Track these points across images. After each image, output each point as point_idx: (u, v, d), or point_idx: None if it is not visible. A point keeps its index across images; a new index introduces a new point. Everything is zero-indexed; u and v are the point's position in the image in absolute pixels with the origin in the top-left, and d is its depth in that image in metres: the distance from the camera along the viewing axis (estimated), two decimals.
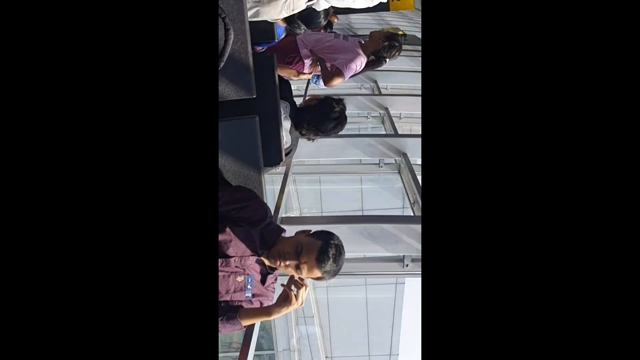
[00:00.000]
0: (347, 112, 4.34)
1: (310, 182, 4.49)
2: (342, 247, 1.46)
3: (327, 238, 1.44)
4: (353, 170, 4.29)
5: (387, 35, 2.85)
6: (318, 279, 1.44)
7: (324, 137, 2.11)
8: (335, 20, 4.58)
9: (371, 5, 1.91)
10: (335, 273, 1.43)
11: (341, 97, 2.12)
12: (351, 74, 2.73)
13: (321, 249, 1.40)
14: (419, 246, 2.55)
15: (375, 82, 5.50)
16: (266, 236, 1.48)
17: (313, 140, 2.18)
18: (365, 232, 2.58)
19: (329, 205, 4.72)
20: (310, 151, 3.78)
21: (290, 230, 2.62)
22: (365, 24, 8.72)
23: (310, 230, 1.50)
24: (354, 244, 2.57)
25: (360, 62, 2.73)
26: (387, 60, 2.90)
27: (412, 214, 3.21)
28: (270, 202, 2.94)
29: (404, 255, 2.63)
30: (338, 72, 2.66)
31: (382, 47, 2.81)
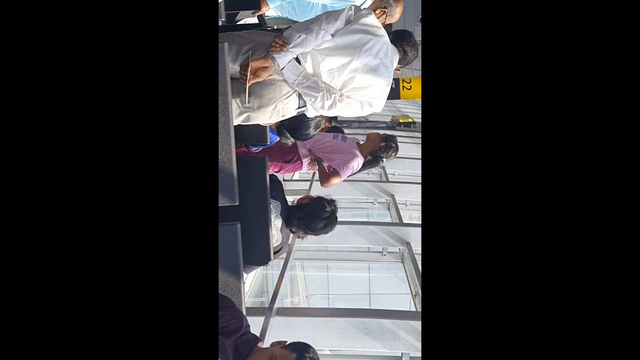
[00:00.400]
0: (354, 198, 4.37)
1: (317, 269, 4.48)
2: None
3: (302, 351, 1.42)
4: (358, 258, 4.28)
5: (383, 136, 2.98)
6: None
7: (314, 235, 2.15)
8: (328, 125, 4.77)
9: (363, 115, 2.03)
10: None
11: (334, 198, 2.19)
12: (348, 174, 2.83)
13: None
14: (419, 344, 2.49)
15: (383, 168, 5.60)
16: (240, 347, 1.48)
17: (302, 238, 2.22)
18: (362, 327, 2.54)
19: (335, 290, 4.67)
20: (314, 237, 3.82)
21: (286, 322, 2.58)
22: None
23: (286, 342, 1.50)
24: (350, 339, 2.53)
25: (357, 163, 2.85)
26: (384, 160, 3.02)
27: (414, 308, 3.16)
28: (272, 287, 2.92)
29: (402, 353, 2.57)
30: (335, 173, 2.78)
31: (378, 147, 2.93)
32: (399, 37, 2.05)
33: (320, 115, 2.09)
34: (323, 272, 4.42)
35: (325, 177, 2.77)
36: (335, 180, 2.77)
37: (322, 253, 4.21)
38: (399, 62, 2.06)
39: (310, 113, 1.91)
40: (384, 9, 2.82)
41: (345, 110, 1.92)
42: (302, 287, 4.39)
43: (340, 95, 1.89)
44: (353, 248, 4.09)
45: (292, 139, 2.25)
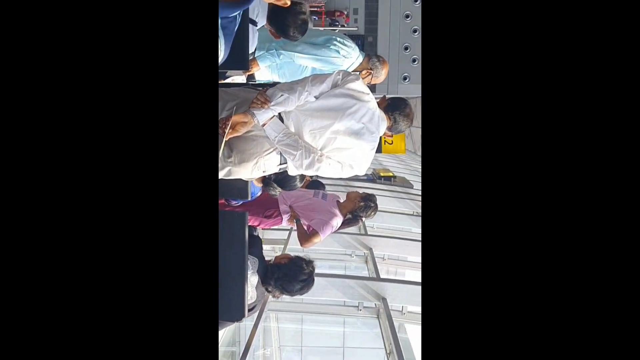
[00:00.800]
0: (332, 249, 4.37)
1: (291, 321, 4.42)
2: None
3: None
4: (333, 312, 4.24)
5: (363, 196, 3.03)
6: None
7: (289, 296, 2.15)
8: (309, 179, 4.83)
9: (343, 177, 2.06)
10: None
11: (312, 258, 2.20)
12: (328, 233, 2.87)
13: None
14: None
15: (363, 221, 5.62)
16: None
17: (277, 297, 2.22)
18: None
19: (309, 343, 4.59)
20: None
21: None
22: None
23: None
24: None
25: (337, 222, 2.89)
26: (364, 219, 3.07)
27: None
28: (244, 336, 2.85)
29: None
30: (315, 234, 2.82)
31: (358, 206, 2.98)
32: (392, 106, 2.10)
33: None
34: (297, 324, 4.35)
35: (304, 237, 2.81)
36: (315, 240, 2.81)
37: (297, 305, 4.16)
38: (390, 129, 2.11)
39: (291, 171, 1.94)
40: (369, 70, 2.93)
41: (325, 170, 1.96)
42: (275, 339, 4.30)
43: (320, 155, 1.92)
44: (329, 301, 4.06)
45: (279, 190, 2.27)
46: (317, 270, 2.19)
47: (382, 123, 2.04)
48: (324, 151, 1.94)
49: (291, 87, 1.88)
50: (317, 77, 1.96)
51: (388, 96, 2.16)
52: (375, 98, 2.06)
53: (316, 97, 1.92)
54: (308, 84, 1.90)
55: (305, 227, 2.82)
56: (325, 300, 4.04)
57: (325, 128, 1.90)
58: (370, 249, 4.76)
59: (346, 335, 4.32)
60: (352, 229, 5.69)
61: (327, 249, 4.85)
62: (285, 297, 4.02)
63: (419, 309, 3.88)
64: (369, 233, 5.41)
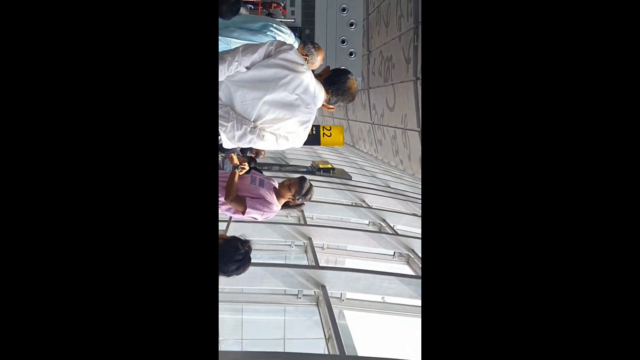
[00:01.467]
0: (271, 240, 4.31)
1: (231, 311, 4.38)
2: None
3: None
4: (274, 300, 4.24)
5: (294, 181, 2.98)
6: None
7: (224, 277, 2.12)
8: (263, 153, 4.81)
9: (279, 149, 2.02)
10: None
11: (248, 238, 2.18)
12: (252, 213, 2.82)
13: None
14: None
15: (302, 211, 5.66)
16: None
17: None
18: None
19: (249, 334, 4.57)
20: (229, 279, 3.75)
21: None
22: (297, 155, 9.19)
23: None
24: None
25: (269, 208, 2.85)
26: (304, 202, 3.05)
27: (327, 352, 3.17)
28: None
29: None
30: (241, 201, 2.77)
31: (295, 192, 2.94)
32: (333, 77, 2.03)
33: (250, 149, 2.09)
34: (237, 314, 4.32)
35: (230, 191, 2.71)
36: (238, 206, 2.74)
37: (237, 295, 4.13)
38: (328, 102, 2.05)
39: (225, 143, 1.91)
40: (305, 56, 2.94)
41: (258, 142, 1.92)
42: None
43: (253, 127, 1.88)
44: (269, 290, 4.06)
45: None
46: (257, 261, 2.16)
47: (319, 95, 1.99)
48: (257, 123, 1.90)
49: (221, 56, 1.82)
50: (248, 47, 1.90)
51: (332, 68, 2.11)
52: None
53: (248, 68, 1.86)
54: (239, 54, 1.85)
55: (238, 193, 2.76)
56: (265, 289, 4.04)
57: (258, 99, 1.85)
58: (310, 239, 4.80)
59: (286, 323, 4.35)
60: (292, 220, 5.74)
61: (267, 240, 4.84)
62: (225, 288, 4.01)
63: (358, 296, 3.96)
64: (308, 223, 5.46)
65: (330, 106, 2.08)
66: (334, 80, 2.03)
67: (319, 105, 2.02)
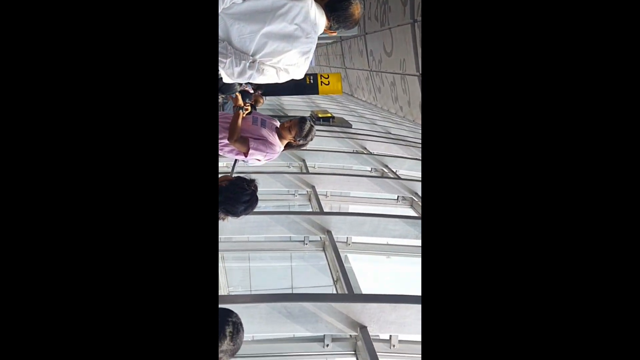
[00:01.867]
0: (275, 190, 4.28)
1: (238, 260, 4.44)
2: (241, 324, 1.42)
3: (223, 316, 1.40)
4: (280, 248, 4.30)
5: (294, 122, 2.94)
6: None
7: (234, 218, 2.12)
8: (261, 101, 4.75)
9: (279, 82, 1.95)
10: (233, 352, 1.39)
11: (253, 177, 2.16)
12: (256, 155, 2.80)
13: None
14: (340, 325, 2.55)
15: (304, 160, 5.66)
16: None
17: (223, 219, 2.19)
18: (284, 311, 2.56)
19: (257, 283, 4.66)
20: (235, 228, 3.79)
21: None
22: (296, 106, 9.10)
23: None
24: (273, 324, 2.54)
25: (271, 149, 2.83)
26: (307, 143, 3.01)
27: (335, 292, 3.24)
28: None
29: (324, 335, 2.62)
30: (245, 141, 2.75)
31: (295, 134, 2.89)
32: (330, 7, 1.92)
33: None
34: (245, 263, 4.39)
35: (234, 131, 2.70)
36: (242, 147, 2.74)
37: (244, 244, 4.18)
38: (330, 29, 1.95)
39: (225, 78, 1.85)
40: None
41: (258, 77, 1.86)
42: (222, 281, 4.33)
43: (252, 62, 1.82)
44: (275, 238, 4.11)
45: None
46: (262, 210, 2.16)
47: (319, 22, 1.89)
48: (256, 57, 1.83)
49: None
50: None
51: None
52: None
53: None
54: None
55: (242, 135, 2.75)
56: (272, 237, 4.09)
57: (255, 32, 1.77)
58: (313, 187, 4.82)
59: (293, 269, 4.43)
60: (294, 169, 5.75)
61: (271, 189, 4.86)
62: (232, 237, 4.05)
63: (363, 239, 4.01)
64: (310, 172, 5.47)
65: (333, 32, 1.99)
66: (335, 7, 1.92)
67: (320, 32, 1.93)
